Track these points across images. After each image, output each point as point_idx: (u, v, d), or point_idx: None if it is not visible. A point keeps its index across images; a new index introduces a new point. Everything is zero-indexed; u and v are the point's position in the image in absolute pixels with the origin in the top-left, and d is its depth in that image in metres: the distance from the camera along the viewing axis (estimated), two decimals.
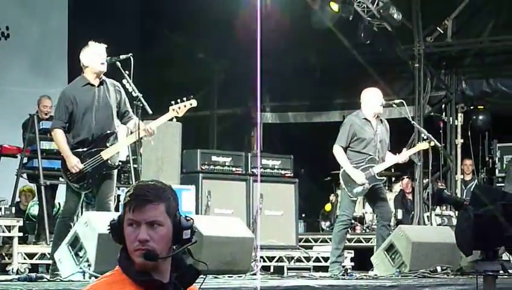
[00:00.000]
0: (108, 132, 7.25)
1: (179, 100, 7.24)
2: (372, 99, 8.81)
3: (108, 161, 7.22)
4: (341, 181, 8.80)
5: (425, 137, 9.47)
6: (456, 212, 12.74)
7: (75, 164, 7.08)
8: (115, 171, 7.37)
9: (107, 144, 7.24)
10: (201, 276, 2.76)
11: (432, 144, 9.29)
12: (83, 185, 7.18)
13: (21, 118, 10.23)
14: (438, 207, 12.35)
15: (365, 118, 8.79)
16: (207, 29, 14.36)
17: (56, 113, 7.33)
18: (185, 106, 7.24)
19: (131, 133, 7.44)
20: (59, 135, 7.17)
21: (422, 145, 9.46)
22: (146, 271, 2.62)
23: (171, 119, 7.43)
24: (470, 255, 5.59)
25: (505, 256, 7.36)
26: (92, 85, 7.21)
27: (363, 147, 8.73)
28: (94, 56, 7.14)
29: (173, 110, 7.25)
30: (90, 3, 13.09)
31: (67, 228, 7.20)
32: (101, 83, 7.24)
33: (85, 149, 7.18)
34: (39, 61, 13.10)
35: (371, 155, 8.71)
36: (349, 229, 9.48)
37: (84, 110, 7.16)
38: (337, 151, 8.75)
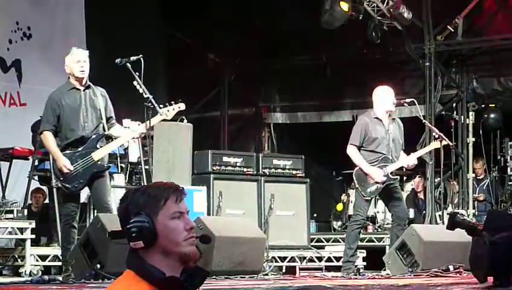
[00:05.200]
0: (99, 133, 7.38)
1: (167, 104, 7.38)
2: (384, 97, 8.78)
3: (99, 162, 7.32)
4: (354, 181, 8.77)
5: (436, 136, 9.42)
6: (466, 211, 12.72)
7: (64, 164, 7.19)
8: (107, 172, 7.47)
9: (98, 146, 7.35)
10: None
11: (444, 143, 9.24)
12: (74, 186, 7.27)
13: None
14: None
15: (377, 117, 8.76)
16: (217, 30, 14.36)
17: (44, 116, 7.44)
18: (173, 109, 7.40)
19: (115, 138, 7.51)
20: (48, 136, 7.30)
21: (434, 145, 9.42)
22: (189, 262, 2.60)
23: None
24: (484, 282, 5.49)
25: None
26: (78, 89, 7.35)
27: (375, 146, 8.70)
28: (73, 64, 7.31)
29: (162, 113, 7.39)
30: (105, 3, 13.10)
31: (71, 230, 7.31)
32: (87, 87, 7.38)
33: (76, 150, 7.28)
34: (59, 60, 13.12)
35: (384, 154, 8.68)
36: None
37: (71, 112, 7.29)
38: (351, 150, 8.72)
